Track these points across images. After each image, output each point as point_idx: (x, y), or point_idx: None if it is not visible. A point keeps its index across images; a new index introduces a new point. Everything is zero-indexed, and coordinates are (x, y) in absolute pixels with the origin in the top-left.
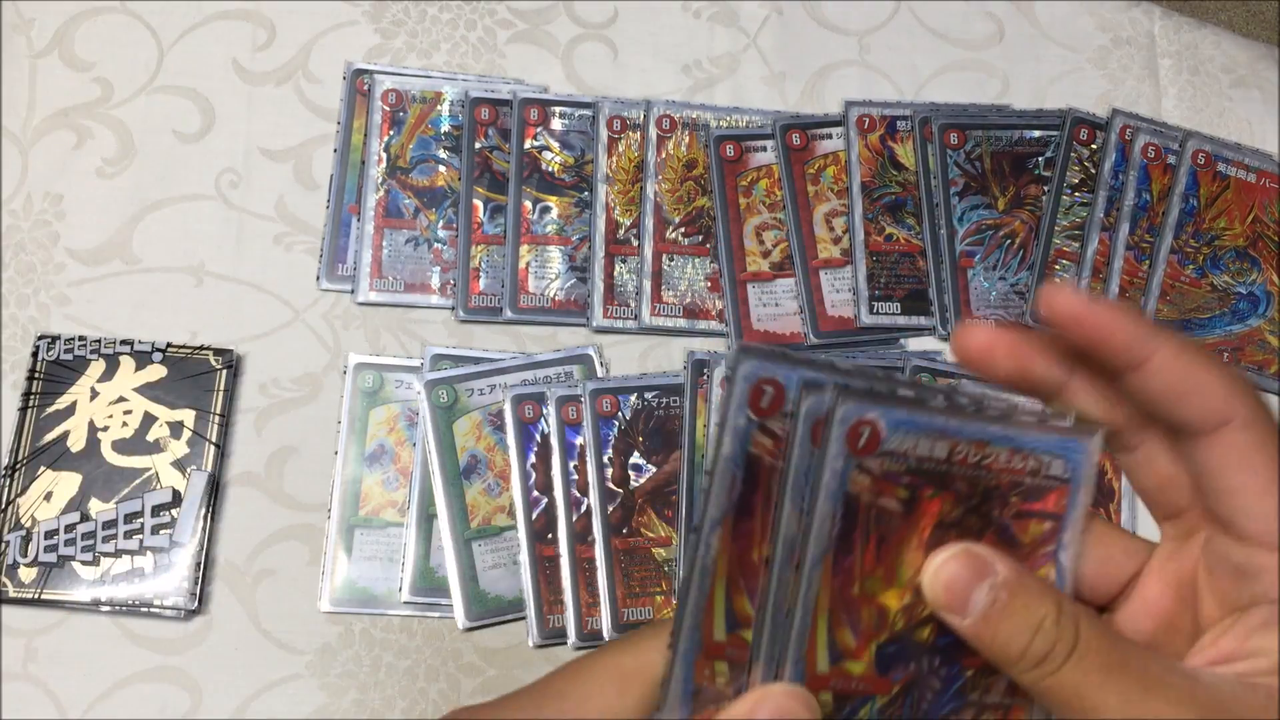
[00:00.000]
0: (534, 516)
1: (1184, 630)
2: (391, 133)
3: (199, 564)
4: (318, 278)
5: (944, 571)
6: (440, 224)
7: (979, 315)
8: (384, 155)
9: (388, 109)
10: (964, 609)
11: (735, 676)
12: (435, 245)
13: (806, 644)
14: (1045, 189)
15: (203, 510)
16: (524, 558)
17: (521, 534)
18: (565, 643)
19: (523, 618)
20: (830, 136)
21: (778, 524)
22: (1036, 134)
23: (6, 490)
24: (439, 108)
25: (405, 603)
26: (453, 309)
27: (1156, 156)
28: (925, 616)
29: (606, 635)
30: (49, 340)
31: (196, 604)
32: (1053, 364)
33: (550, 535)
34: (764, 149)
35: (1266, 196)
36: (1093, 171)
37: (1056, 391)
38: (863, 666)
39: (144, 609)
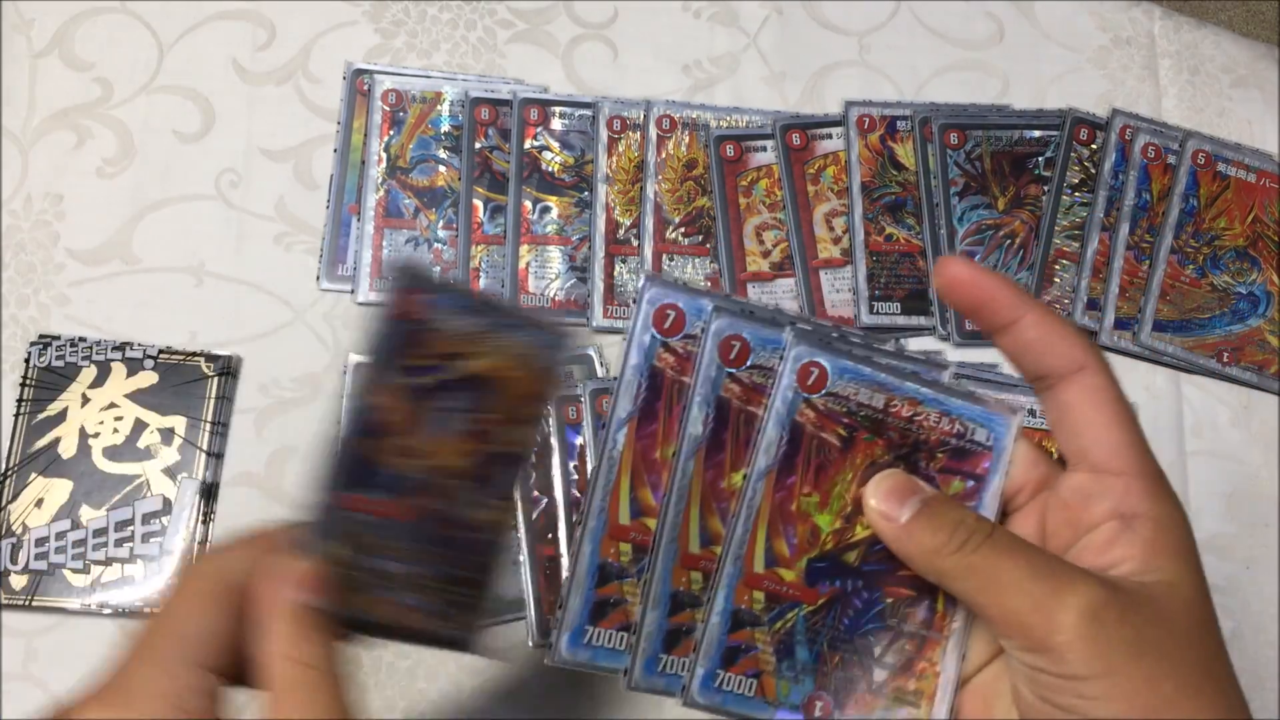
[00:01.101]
0: (534, 516)
1: None
2: (391, 133)
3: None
4: (318, 278)
5: (885, 482)
6: (440, 224)
7: None
8: (384, 155)
9: (388, 109)
10: (897, 513)
11: (638, 557)
12: (435, 245)
13: (746, 546)
14: (1045, 189)
15: (192, 518)
16: (524, 558)
17: (521, 534)
18: None
19: (523, 618)
20: (830, 136)
21: (684, 422)
22: (1036, 134)
23: None
24: (439, 108)
25: None
26: None
27: (1156, 156)
28: (853, 542)
29: None
30: (40, 346)
31: None
32: (1011, 305)
33: (550, 535)
34: (764, 149)
35: (1266, 196)
36: (1093, 171)
37: (1005, 328)
38: (794, 575)
39: (136, 616)
